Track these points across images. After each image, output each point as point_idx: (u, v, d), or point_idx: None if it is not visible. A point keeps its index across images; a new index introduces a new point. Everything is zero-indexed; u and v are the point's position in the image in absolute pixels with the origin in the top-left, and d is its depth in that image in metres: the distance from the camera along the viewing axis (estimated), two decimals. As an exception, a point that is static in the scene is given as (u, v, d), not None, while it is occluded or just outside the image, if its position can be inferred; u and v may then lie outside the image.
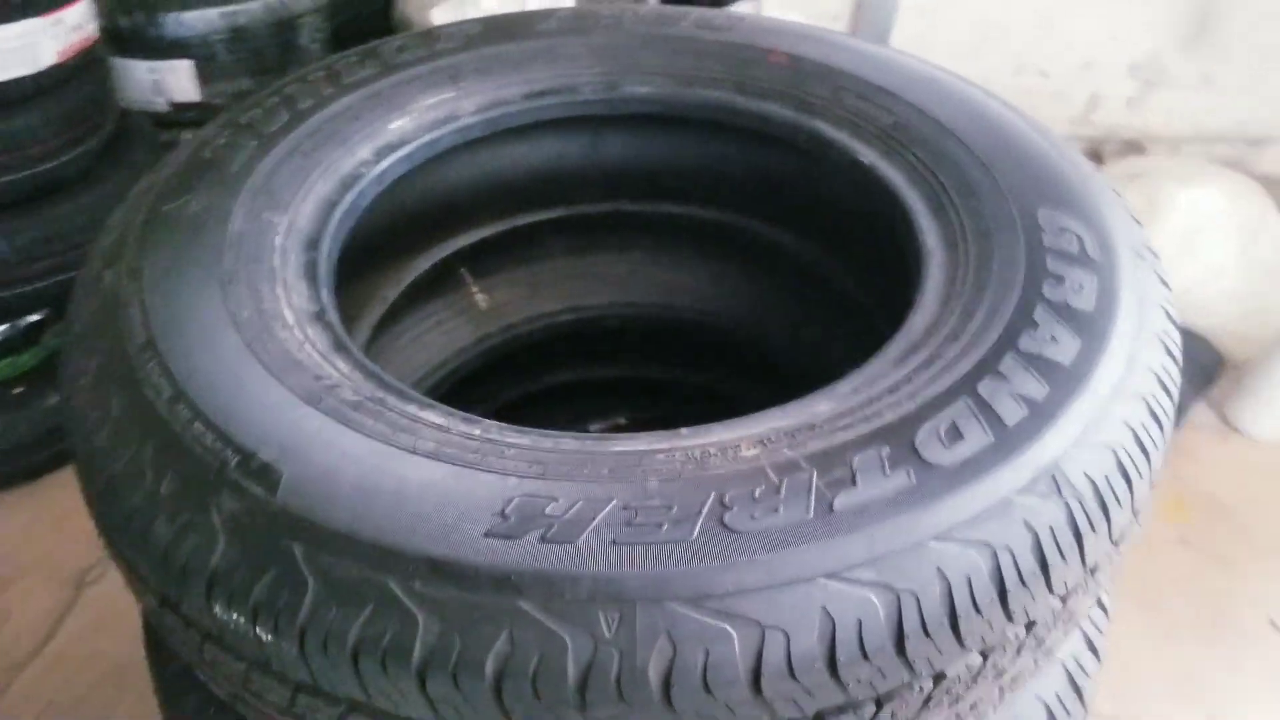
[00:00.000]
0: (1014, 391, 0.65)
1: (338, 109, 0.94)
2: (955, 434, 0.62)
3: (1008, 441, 0.62)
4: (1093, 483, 0.62)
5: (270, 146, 0.88)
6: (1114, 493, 0.63)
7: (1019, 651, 0.63)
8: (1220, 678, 1.56)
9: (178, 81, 2.23)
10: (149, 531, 0.61)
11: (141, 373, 0.67)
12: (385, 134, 0.94)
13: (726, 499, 0.58)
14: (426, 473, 0.60)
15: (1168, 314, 0.76)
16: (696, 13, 1.12)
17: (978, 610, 0.56)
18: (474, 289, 1.11)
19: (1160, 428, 0.68)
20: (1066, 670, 0.89)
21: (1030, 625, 0.62)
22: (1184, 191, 2.25)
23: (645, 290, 1.20)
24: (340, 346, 0.73)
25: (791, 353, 1.17)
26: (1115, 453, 0.64)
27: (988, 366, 0.67)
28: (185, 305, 0.71)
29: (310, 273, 0.79)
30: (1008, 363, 0.67)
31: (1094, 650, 0.92)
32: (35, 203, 1.79)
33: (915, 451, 0.61)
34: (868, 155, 0.95)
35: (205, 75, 2.24)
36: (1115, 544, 0.64)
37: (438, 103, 0.99)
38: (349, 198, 0.88)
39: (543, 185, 1.11)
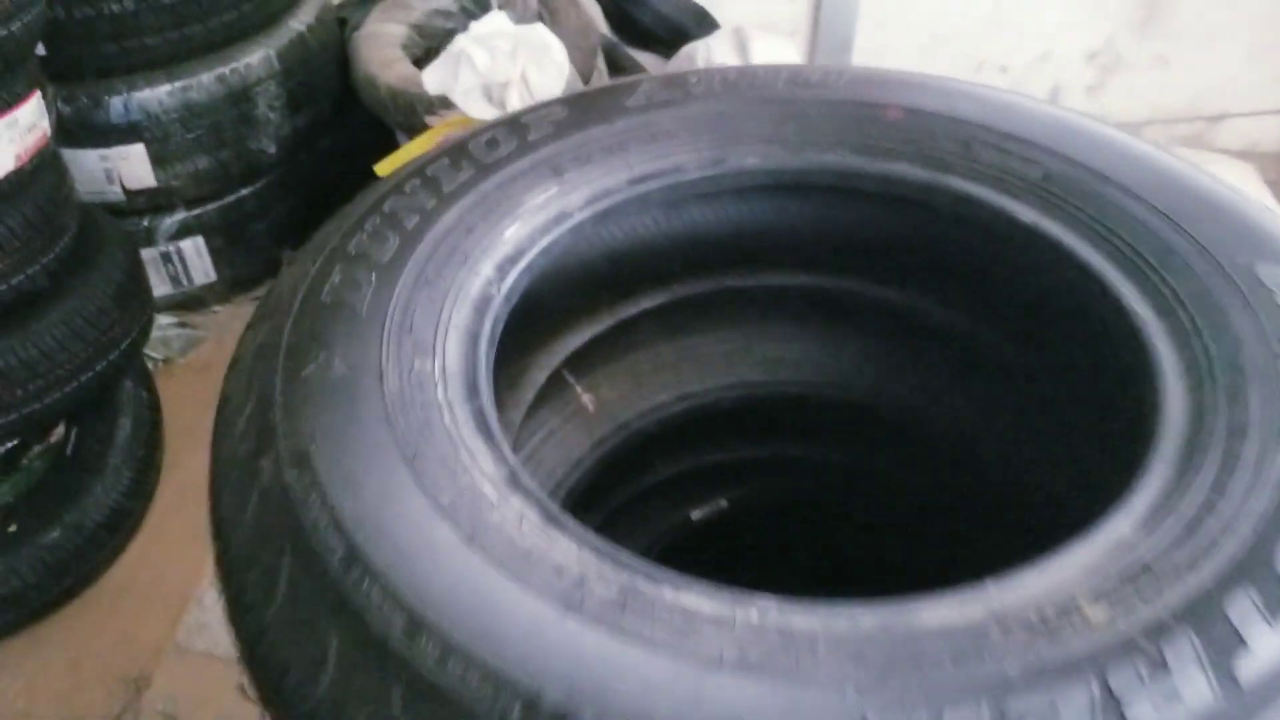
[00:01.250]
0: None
1: (449, 223, 0.83)
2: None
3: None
4: None
5: (393, 278, 0.77)
6: None
7: None
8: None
9: (131, 168, 2.06)
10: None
11: (359, 599, 0.55)
12: (502, 245, 0.84)
13: (1112, 686, 0.50)
14: (751, 695, 0.51)
15: None
16: (788, 70, 1.04)
17: None
18: (579, 391, 1.00)
19: None
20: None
21: None
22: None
23: (752, 368, 1.11)
24: (551, 518, 0.63)
25: (912, 413, 1.10)
26: None
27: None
28: (379, 499, 0.60)
29: (483, 425, 0.69)
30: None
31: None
32: (3, 321, 1.61)
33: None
34: (1023, 212, 0.88)
35: (159, 158, 2.08)
36: None
37: (545, 201, 0.89)
38: (487, 325, 0.78)
39: (650, 270, 1.02)
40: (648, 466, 1.11)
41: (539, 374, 0.96)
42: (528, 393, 0.94)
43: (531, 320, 0.94)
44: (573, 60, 1.83)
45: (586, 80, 2.00)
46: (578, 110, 0.97)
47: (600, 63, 2.14)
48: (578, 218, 0.89)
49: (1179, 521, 0.60)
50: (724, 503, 1.20)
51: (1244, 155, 2.80)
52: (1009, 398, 1.00)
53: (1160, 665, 0.51)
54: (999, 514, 1.00)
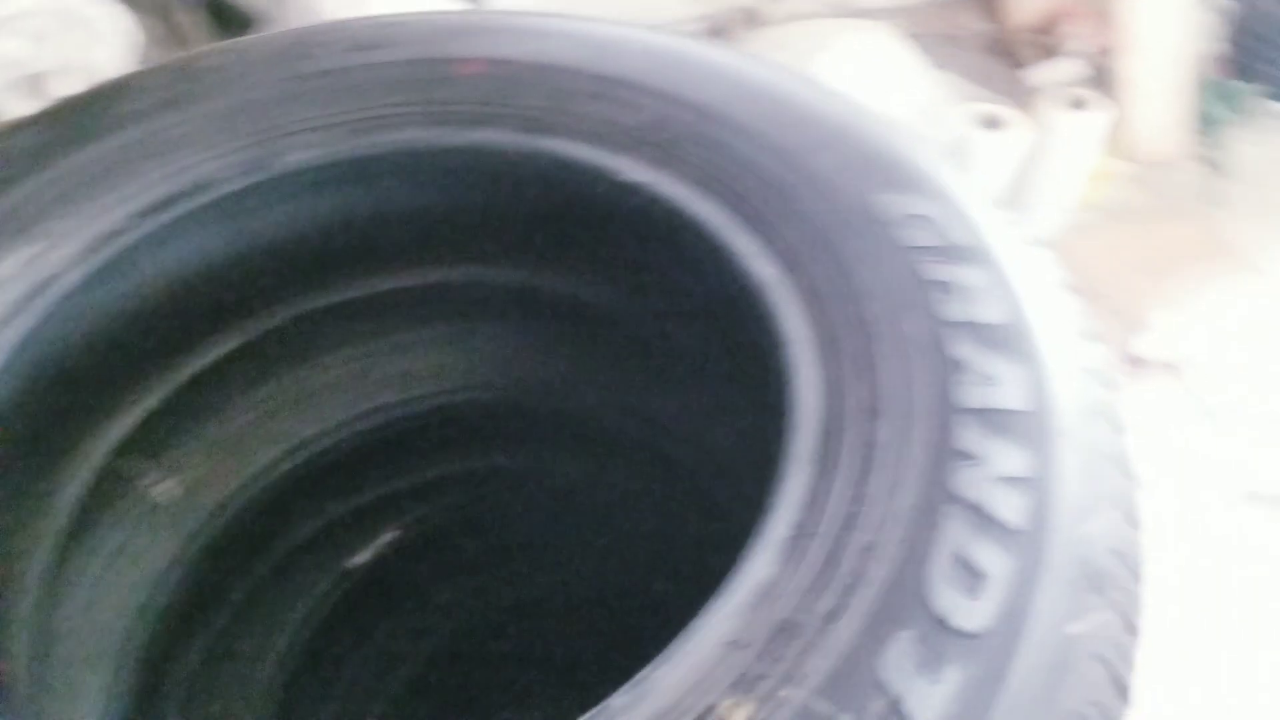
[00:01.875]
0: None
1: None
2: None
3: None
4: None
5: None
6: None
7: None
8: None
9: None
10: None
11: None
12: None
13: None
14: None
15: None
16: (335, 31, 0.85)
17: None
18: (148, 482, 0.80)
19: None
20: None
21: None
22: (825, 55, 2.24)
23: (379, 389, 0.94)
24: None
25: (579, 411, 0.97)
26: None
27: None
28: None
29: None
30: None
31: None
32: None
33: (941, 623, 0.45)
34: (629, 169, 0.75)
35: None
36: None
37: (17, 269, 0.66)
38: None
39: (205, 311, 0.81)
40: (271, 536, 0.92)
41: (79, 478, 0.74)
42: (63, 512, 0.72)
43: (53, 418, 0.72)
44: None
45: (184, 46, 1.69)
46: (54, 131, 0.74)
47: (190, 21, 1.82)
48: (67, 282, 0.67)
49: (821, 547, 0.50)
50: (389, 536, 1.04)
51: (887, 13, 2.86)
52: (683, 386, 0.88)
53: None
54: (696, 516, 0.90)
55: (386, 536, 1.03)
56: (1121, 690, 0.47)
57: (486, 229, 0.86)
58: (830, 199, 0.68)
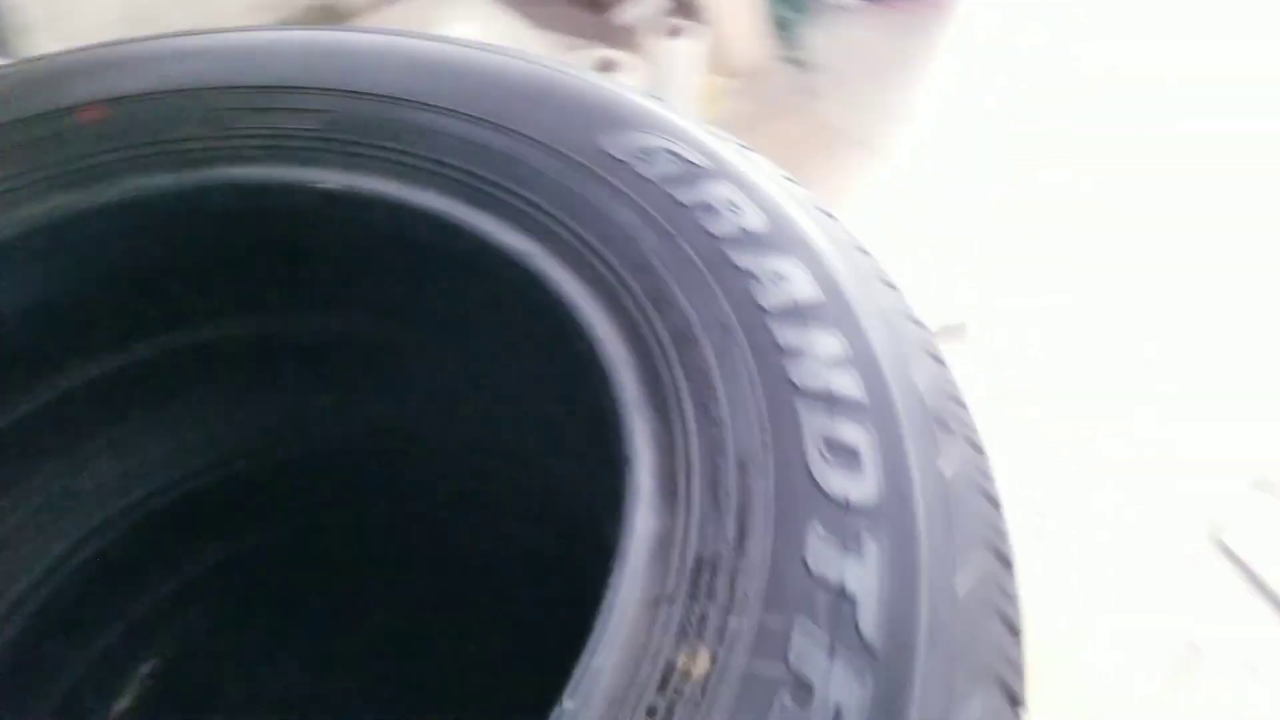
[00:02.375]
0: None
1: None
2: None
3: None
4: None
5: None
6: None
7: None
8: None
9: None
10: None
11: None
12: None
13: None
14: None
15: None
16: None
17: None
18: None
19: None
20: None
21: None
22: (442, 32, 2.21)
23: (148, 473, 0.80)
24: None
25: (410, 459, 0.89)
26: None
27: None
28: None
29: None
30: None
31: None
32: None
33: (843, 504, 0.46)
34: (325, 178, 0.68)
35: None
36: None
37: None
38: None
39: None
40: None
41: None
42: None
43: None
44: None
45: None
46: None
47: None
48: None
49: (698, 480, 0.49)
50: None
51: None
52: (500, 387, 0.82)
53: None
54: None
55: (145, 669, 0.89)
56: (995, 503, 0.51)
57: (221, 277, 0.75)
58: (561, 152, 0.66)
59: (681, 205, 0.62)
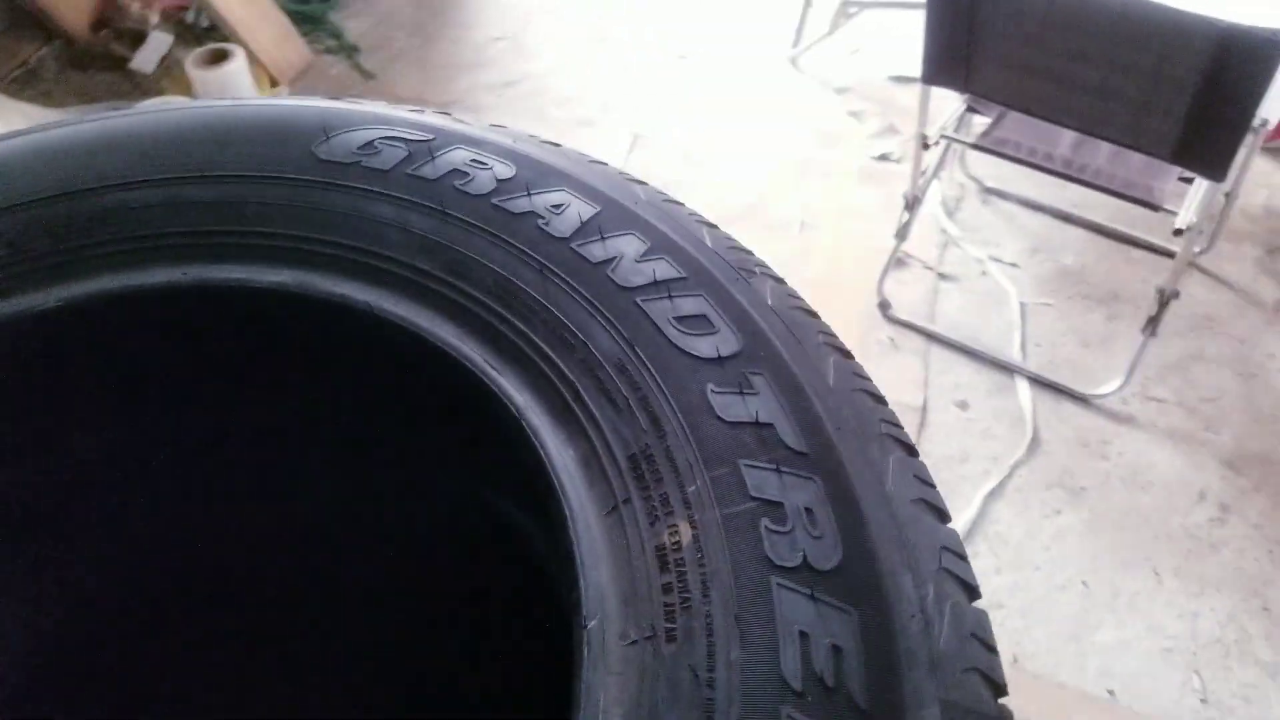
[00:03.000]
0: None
1: None
2: None
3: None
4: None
5: None
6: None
7: None
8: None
9: None
10: None
11: None
12: None
13: None
14: None
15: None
16: None
17: None
18: None
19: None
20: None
21: None
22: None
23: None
24: None
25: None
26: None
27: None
28: None
29: None
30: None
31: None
32: None
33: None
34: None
35: None
36: None
37: None
38: None
39: None
40: None
41: None
42: None
43: None
44: None
45: None
46: None
47: None
48: None
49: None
50: None
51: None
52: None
53: None
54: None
55: None
56: (880, 397, 0.59)
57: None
58: (286, 178, 0.64)
59: (430, 181, 0.64)
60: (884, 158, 2.57)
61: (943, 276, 2.23)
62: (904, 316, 2.11)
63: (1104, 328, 2.10)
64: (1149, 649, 1.58)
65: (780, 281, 0.62)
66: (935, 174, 2.12)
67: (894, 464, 0.52)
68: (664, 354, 0.55)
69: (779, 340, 0.56)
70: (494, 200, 0.62)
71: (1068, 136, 1.83)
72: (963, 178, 2.45)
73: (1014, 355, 2.05)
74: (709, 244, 0.62)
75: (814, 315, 0.61)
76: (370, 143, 0.66)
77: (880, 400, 0.57)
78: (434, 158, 0.65)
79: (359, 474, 0.78)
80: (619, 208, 0.62)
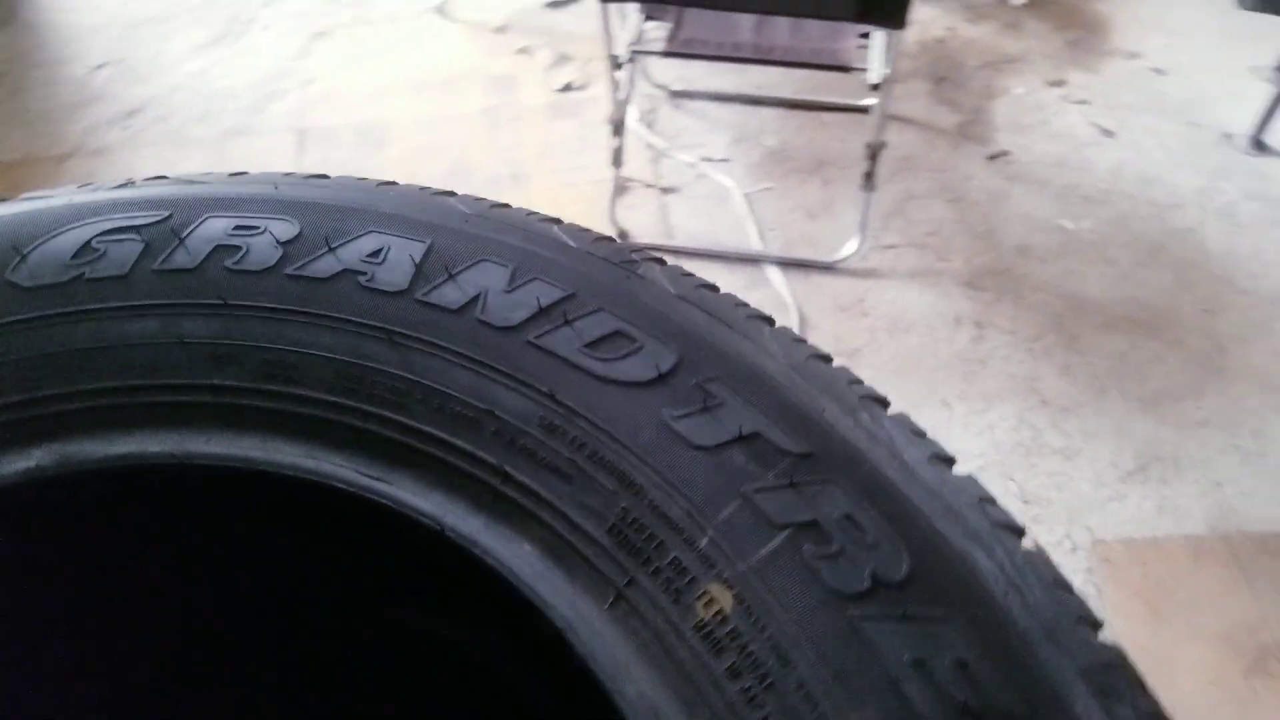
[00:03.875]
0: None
1: None
2: None
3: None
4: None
5: None
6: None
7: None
8: None
9: None
10: None
11: None
12: None
13: None
14: None
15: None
16: None
17: None
18: None
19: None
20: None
21: None
22: None
23: None
24: None
25: None
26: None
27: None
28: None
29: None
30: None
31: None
32: None
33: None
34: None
35: None
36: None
37: None
38: None
39: None
40: None
41: None
42: None
43: None
44: None
45: None
46: None
47: None
48: None
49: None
50: None
51: None
52: None
53: None
54: None
55: None
56: (824, 354, 0.51)
57: None
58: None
59: (190, 271, 0.48)
60: (568, 88, 2.50)
61: (665, 191, 2.22)
62: (645, 241, 2.08)
63: (822, 195, 2.18)
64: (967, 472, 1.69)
65: (660, 261, 0.53)
66: (630, 91, 2.08)
67: (891, 427, 0.45)
68: (593, 392, 0.44)
69: (707, 332, 0.47)
70: (288, 270, 0.48)
71: (746, 23, 1.84)
72: (649, 89, 2.44)
73: (755, 245, 2.08)
74: (573, 244, 0.51)
75: (714, 288, 0.52)
76: (86, 244, 0.49)
77: (827, 358, 0.50)
78: (183, 239, 0.49)
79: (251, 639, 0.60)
80: (451, 234, 0.50)
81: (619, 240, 0.55)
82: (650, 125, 2.36)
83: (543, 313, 0.46)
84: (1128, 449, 1.69)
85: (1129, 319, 1.91)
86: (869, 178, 1.94)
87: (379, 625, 0.53)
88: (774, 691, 0.37)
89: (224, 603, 0.53)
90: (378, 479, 0.44)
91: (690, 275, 0.53)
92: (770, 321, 0.51)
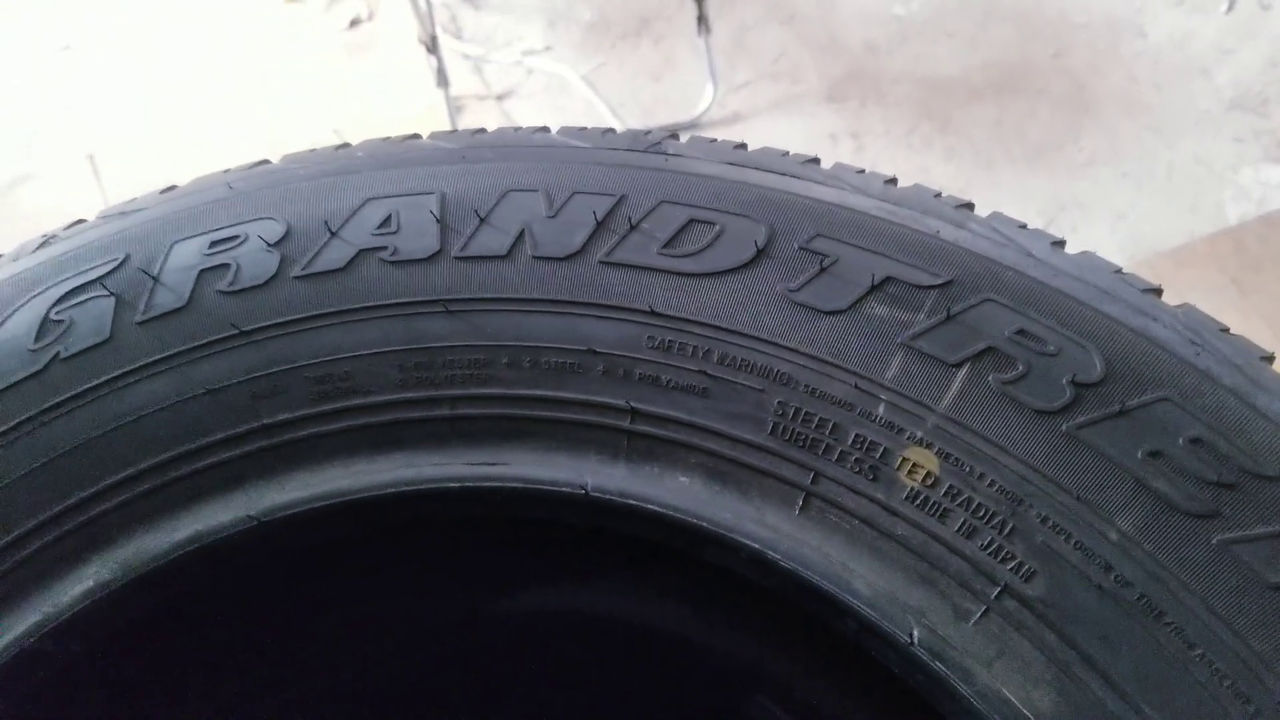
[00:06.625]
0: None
1: None
2: None
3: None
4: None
5: None
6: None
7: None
8: None
9: None
10: None
11: None
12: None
13: None
14: None
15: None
16: None
17: None
18: None
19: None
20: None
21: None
22: None
23: None
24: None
25: None
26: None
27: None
28: None
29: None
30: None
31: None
32: None
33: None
34: None
35: None
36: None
37: None
38: None
39: None
40: None
41: None
42: None
43: None
44: None
45: None
46: None
47: None
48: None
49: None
50: None
51: None
52: None
53: None
54: None
55: None
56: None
57: None
58: None
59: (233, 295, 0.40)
60: (355, 23, 2.31)
61: (501, 98, 2.10)
62: (501, 154, 1.98)
63: (658, 53, 2.11)
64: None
65: (674, 135, 0.48)
66: (430, 6, 1.94)
67: (1000, 225, 0.42)
68: (696, 293, 0.39)
69: (780, 190, 0.42)
70: (294, 273, 0.40)
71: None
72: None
73: (615, 125, 2.01)
74: (586, 145, 0.45)
75: (743, 146, 0.48)
76: (44, 321, 0.40)
77: (894, 180, 0.46)
78: (157, 278, 0.40)
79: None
80: (454, 175, 0.43)
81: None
82: (458, 35, 2.22)
83: (602, 226, 0.41)
84: (1032, 208, 1.74)
85: (989, 84, 1.94)
86: (702, 20, 1.88)
87: (552, 621, 0.48)
88: (1018, 537, 0.35)
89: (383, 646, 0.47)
90: (489, 463, 0.39)
91: (714, 140, 0.47)
92: (817, 161, 0.47)
